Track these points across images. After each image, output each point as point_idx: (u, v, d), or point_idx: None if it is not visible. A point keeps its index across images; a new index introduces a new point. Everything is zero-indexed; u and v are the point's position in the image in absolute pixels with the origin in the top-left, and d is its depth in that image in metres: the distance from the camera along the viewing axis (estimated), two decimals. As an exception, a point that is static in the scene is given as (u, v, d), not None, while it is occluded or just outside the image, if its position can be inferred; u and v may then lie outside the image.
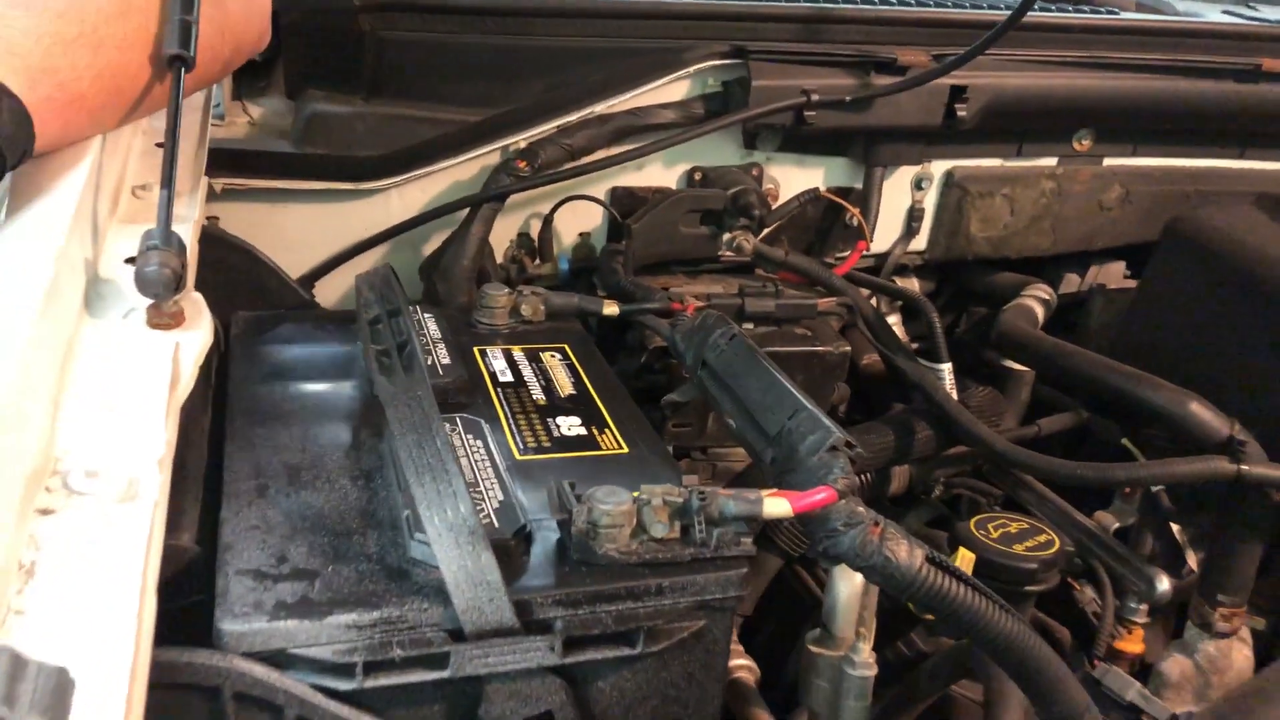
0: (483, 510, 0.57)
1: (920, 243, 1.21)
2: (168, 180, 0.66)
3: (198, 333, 0.63)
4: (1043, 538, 0.91)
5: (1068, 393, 1.12)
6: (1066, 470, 0.91)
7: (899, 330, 1.20)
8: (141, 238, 0.62)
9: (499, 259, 1.08)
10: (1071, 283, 1.30)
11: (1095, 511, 1.04)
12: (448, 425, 0.66)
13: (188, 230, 0.72)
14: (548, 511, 0.59)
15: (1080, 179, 1.21)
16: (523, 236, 1.09)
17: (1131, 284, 1.31)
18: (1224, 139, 1.25)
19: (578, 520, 0.56)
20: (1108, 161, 1.23)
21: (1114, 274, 1.33)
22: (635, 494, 0.58)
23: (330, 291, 1.04)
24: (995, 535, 0.90)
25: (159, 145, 0.80)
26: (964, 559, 0.88)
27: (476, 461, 0.63)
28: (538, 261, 1.08)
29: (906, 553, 0.61)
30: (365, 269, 1.05)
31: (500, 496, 0.59)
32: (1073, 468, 0.90)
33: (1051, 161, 1.21)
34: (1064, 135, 1.20)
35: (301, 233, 1.01)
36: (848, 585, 0.73)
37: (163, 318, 0.62)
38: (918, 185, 1.18)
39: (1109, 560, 0.99)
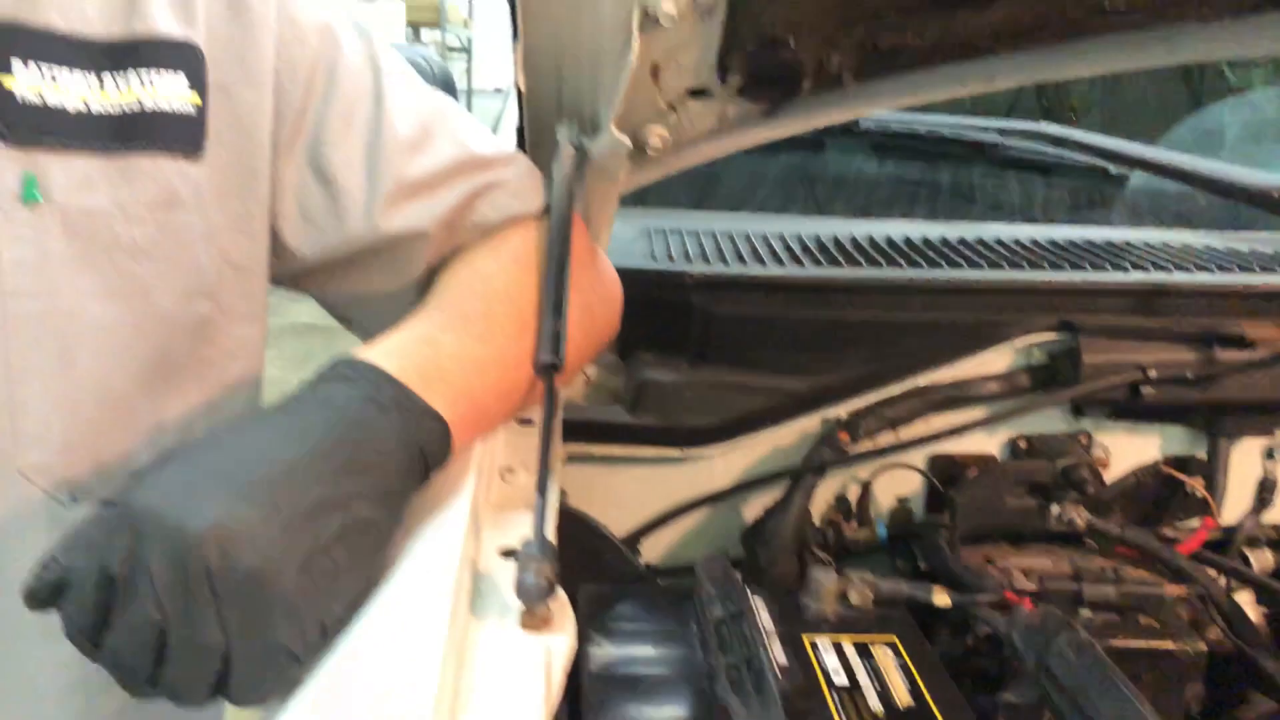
0: None
1: (1276, 515, 1.12)
2: (542, 487, 0.72)
3: (565, 636, 0.67)
4: None
5: None
6: None
7: (1251, 610, 1.09)
8: (520, 545, 0.68)
9: (815, 521, 1.09)
10: None
11: None
12: (793, 743, 0.66)
13: (551, 517, 0.78)
14: None
15: None
16: (840, 500, 1.10)
17: None
18: None
19: None
20: None
21: None
22: None
23: (651, 548, 1.08)
24: None
25: (520, 422, 0.87)
26: None
27: (824, 791, 0.62)
28: (855, 525, 1.08)
29: None
30: (686, 529, 1.10)
31: (854, 839, 0.58)
32: None
33: None
34: None
35: (630, 494, 1.07)
36: None
37: (535, 621, 0.66)
38: (1269, 455, 1.10)
39: None
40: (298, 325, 5.17)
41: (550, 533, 0.76)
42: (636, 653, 0.79)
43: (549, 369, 0.77)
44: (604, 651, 0.78)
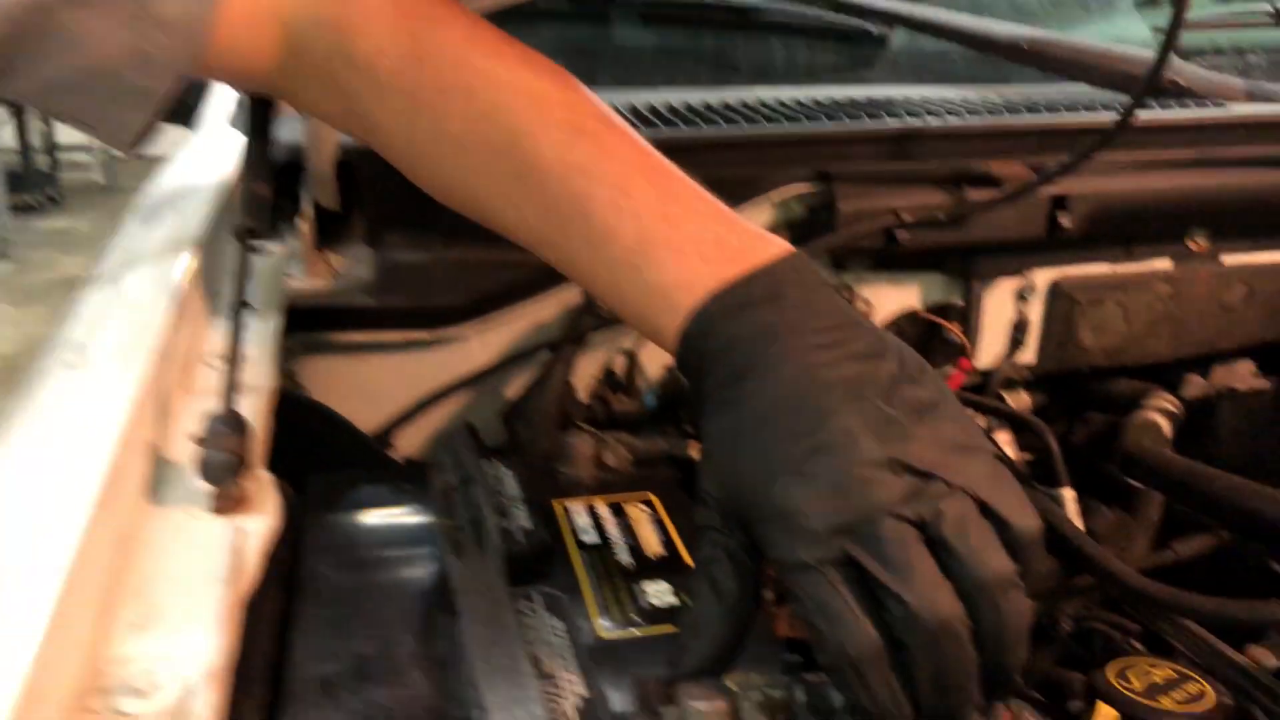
0: (562, 712, 0.52)
1: (1028, 355, 1.14)
2: (232, 356, 0.64)
3: (265, 517, 0.61)
4: (1194, 688, 0.81)
5: (1206, 514, 1.02)
6: (1213, 608, 0.82)
7: (1010, 449, 1.12)
8: (204, 418, 0.61)
9: (583, 397, 1.04)
10: (1195, 385, 1.21)
11: (1247, 645, 0.93)
12: (527, 604, 0.62)
13: (258, 400, 0.70)
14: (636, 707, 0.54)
15: (1198, 280, 1.13)
16: (608, 373, 1.05)
17: (1263, 384, 1.21)
18: (1355, 226, 1.16)
19: (668, 723, 0.51)
20: (1226, 259, 1.15)
21: (1242, 374, 1.23)
22: (734, 687, 0.52)
23: (410, 442, 1.02)
24: (1139, 687, 0.81)
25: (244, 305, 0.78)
26: (1105, 717, 0.79)
27: (556, 646, 0.58)
28: (623, 398, 1.04)
29: (1044, 742, 0.54)
30: (446, 415, 1.03)
31: (582, 691, 0.54)
32: (1223, 606, 0.81)
33: (1165, 263, 1.14)
34: (1176, 236, 1.13)
35: (381, 384, 1.00)
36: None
37: (227, 502, 0.59)
38: (1021, 296, 1.12)
39: (1269, 704, 0.88)
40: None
41: (257, 407, 0.69)
42: (367, 534, 0.73)
43: (247, 234, 0.70)
44: (330, 534, 0.72)
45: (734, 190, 1.01)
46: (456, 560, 0.58)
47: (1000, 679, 0.48)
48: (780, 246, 0.53)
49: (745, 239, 0.54)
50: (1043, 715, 0.54)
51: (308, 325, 0.97)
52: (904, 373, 0.50)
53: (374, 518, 0.75)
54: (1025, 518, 0.48)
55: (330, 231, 1.09)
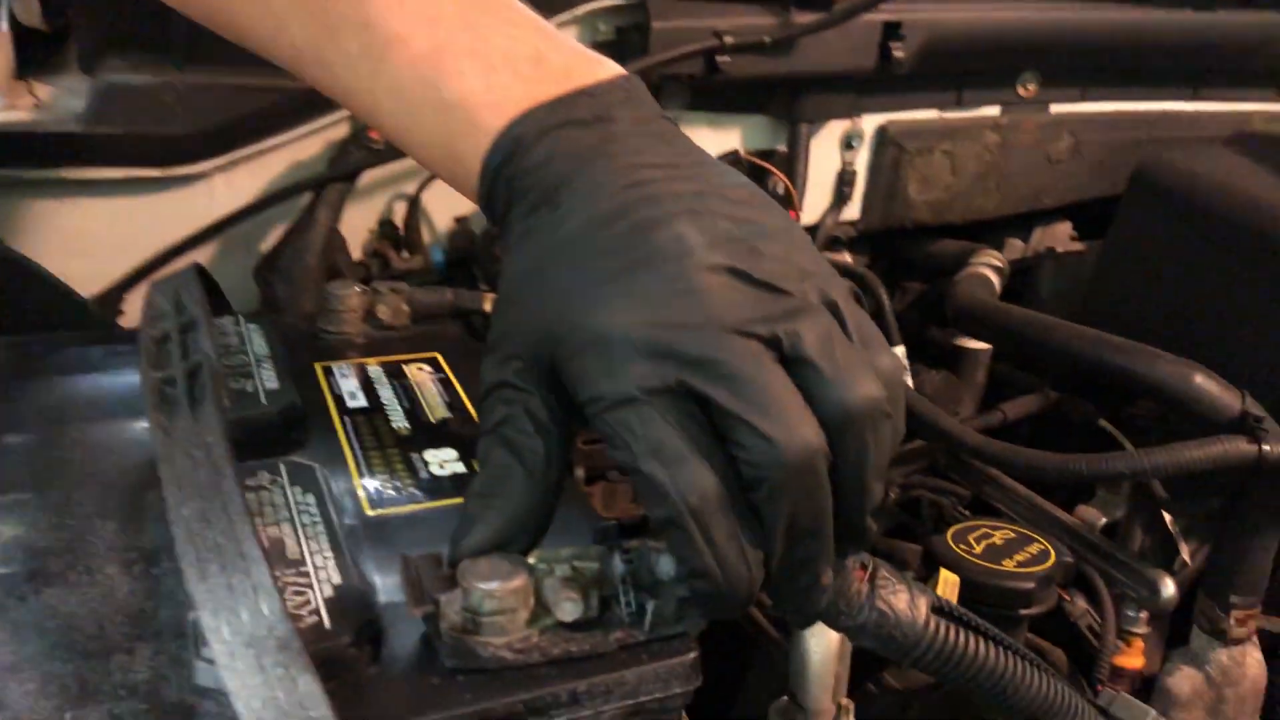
0: (308, 603, 0.39)
1: (853, 211, 1.06)
2: None
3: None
4: (1035, 548, 0.76)
5: (1035, 370, 0.98)
6: (1056, 465, 0.76)
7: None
8: None
9: (357, 254, 0.89)
10: (1016, 248, 1.17)
11: (1076, 506, 0.90)
12: (266, 476, 0.48)
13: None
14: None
15: (1026, 129, 1.07)
16: (385, 224, 0.90)
17: (1080, 246, 1.18)
18: (1177, 79, 1.13)
19: (449, 610, 0.38)
20: (1055, 108, 1.09)
21: (1060, 235, 1.19)
22: (532, 561, 0.40)
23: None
24: (979, 550, 0.75)
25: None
26: (947, 582, 0.73)
27: (305, 527, 0.45)
28: (405, 253, 0.89)
29: (907, 604, 0.46)
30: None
31: (336, 578, 0.41)
32: (1063, 462, 0.76)
33: (994, 111, 1.07)
34: (1007, 79, 1.06)
35: (103, 234, 0.81)
36: (821, 642, 0.57)
37: None
38: (848, 144, 1.03)
39: (1101, 564, 0.85)
40: None
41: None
42: (63, 403, 0.56)
43: None
44: (11, 404, 0.55)
45: (533, 4, 0.87)
46: (163, 420, 0.44)
47: (855, 526, 0.40)
48: (612, 69, 0.44)
49: (570, 58, 0.43)
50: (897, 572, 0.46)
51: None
52: (751, 200, 0.41)
53: (76, 385, 0.59)
54: (888, 354, 0.40)
55: (40, 61, 0.88)
